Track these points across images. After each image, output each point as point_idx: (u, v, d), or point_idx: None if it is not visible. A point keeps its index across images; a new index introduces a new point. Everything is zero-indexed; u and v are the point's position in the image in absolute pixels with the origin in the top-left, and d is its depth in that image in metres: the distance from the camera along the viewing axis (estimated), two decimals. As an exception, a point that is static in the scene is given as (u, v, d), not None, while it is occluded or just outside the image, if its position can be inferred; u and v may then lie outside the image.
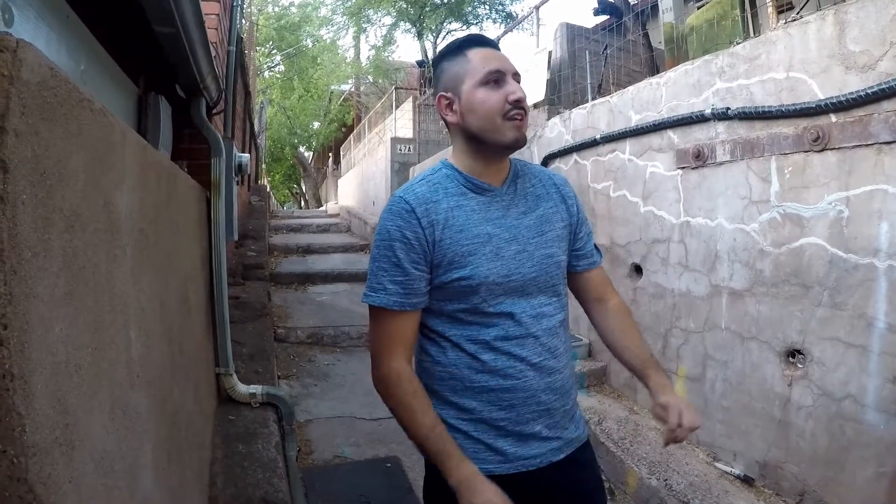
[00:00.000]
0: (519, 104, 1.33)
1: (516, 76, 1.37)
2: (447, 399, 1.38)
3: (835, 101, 2.57)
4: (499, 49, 1.41)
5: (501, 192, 1.41)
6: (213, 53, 2.52)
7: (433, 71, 1.49)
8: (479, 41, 1.40)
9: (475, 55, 1.36)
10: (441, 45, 17.20)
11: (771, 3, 3.28)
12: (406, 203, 1.33)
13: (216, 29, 3.05)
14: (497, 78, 1.33)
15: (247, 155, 3.63)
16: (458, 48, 1.40)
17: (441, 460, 1.26)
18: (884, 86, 2.36)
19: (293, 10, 20.24)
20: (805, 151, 2.75)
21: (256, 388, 3.00)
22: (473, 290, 1.32)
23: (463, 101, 1.35)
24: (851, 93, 2.50)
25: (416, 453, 3.52)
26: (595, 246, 1.61)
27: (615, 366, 4.27)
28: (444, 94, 1.39)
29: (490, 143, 1.35)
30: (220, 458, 2.34)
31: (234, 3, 3.63)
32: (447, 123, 1.42)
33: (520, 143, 1.35)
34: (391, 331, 1.34)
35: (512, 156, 1.45)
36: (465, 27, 16.59)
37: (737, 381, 3.14)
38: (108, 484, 0.95)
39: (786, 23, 2.96)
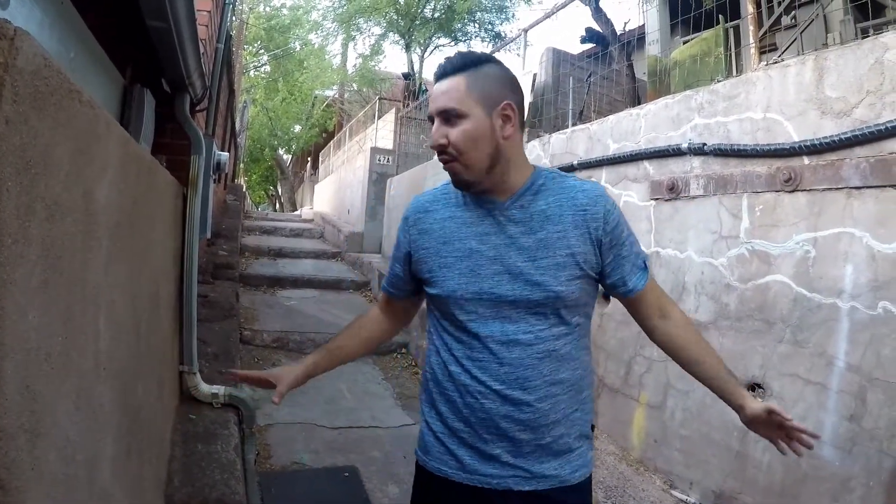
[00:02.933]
0: (438, 150, 1.31)
1: (442, 113, 1.30)
2: (427, 398, 1.46)
3: (809, 143, 2.65)
4: (444, 76, 1.32)
5: (503, 206, 1.34)
6: (202, 50, 2.52)
7: None
8: (442, 72, 1.33)
9: (433, 90, 1.35)
10: (428, 59, 17.33)
11: (754, 44, 3.37)
12: (407, 210, 1.49)
13: (206, 26, 3.05)
14: (432, 120, 1.33)
15: (226, 153, 3.62)
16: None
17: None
18: (857, 132, 2.44)
19: (284, 11, 20.21)
20: (777, 191, 2.83)
21: (219, 389, 2.97)
22: (443, 301, 1.36)
23: None
24: (825, 137, 2.58)
25: (374, 464, 3.54)
26: (643, 263, 1.42)
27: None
28: None
29: None
30: (179, 456, 2.31)
31: (227, 1, 3.63)
32: None
33: (459, 185, 1.34)
34: (380, 298, 1.67)
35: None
36: (453, 43, 16.70)
37: (697, 410, 3.20)
38: (69, 473, 0.94)
39: (767, 64, 3.04)
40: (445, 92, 1.30)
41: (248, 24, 16.30)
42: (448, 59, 1.33)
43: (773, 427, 1.38)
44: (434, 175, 7.33)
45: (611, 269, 1.38)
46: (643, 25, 8.38)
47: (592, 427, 1.46)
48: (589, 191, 1.37)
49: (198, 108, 3.00)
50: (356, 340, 1.62)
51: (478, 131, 1.28)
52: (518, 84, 1.38)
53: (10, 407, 0.71)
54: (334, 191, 14.73)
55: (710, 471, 3.07)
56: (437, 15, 15.61)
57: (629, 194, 3.87)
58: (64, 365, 0.94)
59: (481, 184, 1.32)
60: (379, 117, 13.12)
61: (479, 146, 1.29)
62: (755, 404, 1.38)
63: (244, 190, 15.49)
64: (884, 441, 2.30)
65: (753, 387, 2.90)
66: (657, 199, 3.61)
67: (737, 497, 2.91)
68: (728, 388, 1.43)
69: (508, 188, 1.35)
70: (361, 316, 1.67)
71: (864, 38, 2.68)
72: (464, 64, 1.30)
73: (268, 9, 20.24)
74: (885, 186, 2.38)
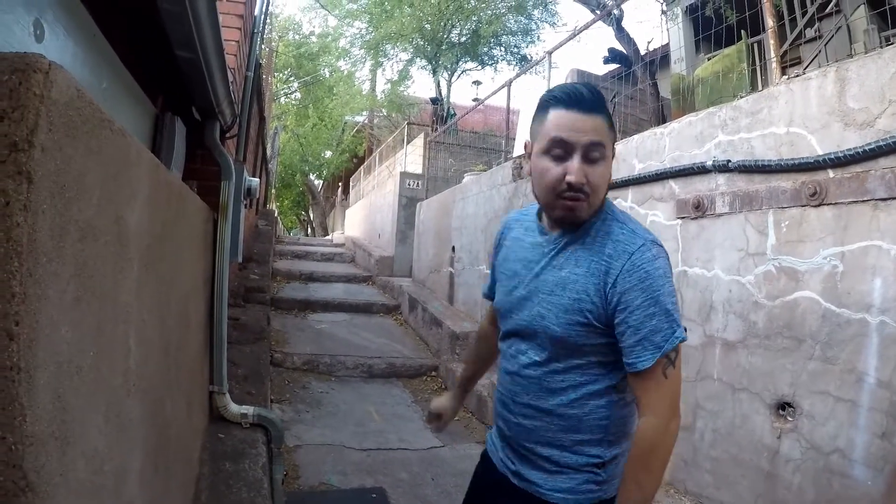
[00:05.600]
0: (574, 188, 1.25)
1: (589, 148, 1.25)
2: None
3: (833, 157, 2.63)
4: (588, 111, 1.26)
5: (552, 238, 1.40)
6: (231, 79, 2.61)
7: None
8: (566, 100, 1.27)
9: (553, 117, 1.28)
10: (455, 83, 17.49)
11: (775, 59, 3.37)
12: (501, 222, 1.67)
13: (235, 55, 3.16)
14: (562, 149, 1.26)
15: (256, 179, 3.71)
16: (547, 101, 1.32)
17: None
18: (881, 143, 2.41)
19: (313, 39, 20.66)
20: (802, 206, 2.81)
21: (248, 409, 3.02)
22: (496, 308, 1.57)
23: (532, 163, 1.35)
24: (849, 149, 2.56)
25: (401, 486, 3.54)
26: (660, 341, 1.24)
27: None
28: (528, 141, 1.40)
29: (544, 210, 1.41)
30: (207, 474, 2.36)
31: (255, 31, 3.75)
32: None
33: (567, 221, 1.32)
34: (486, 309, 1.82)
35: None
36: (479, 67, 16.88)
37: (726, 431, 3.15)
38: (97, 482, 0.99)
39: (788, 78, 3.04)
40: (595, 129, 1.26)
41: (277, 51, 16.69)
42: (582, 92, 1.28)
43: None
44: (462, 199, 7.38)
45: (619, 333, 1.27)
46: (667, 44, 8.39)
47: (598, 465, 1.37)
48: (623, 242, 1.30)
49: (228, 134, 3.09)
50: (485, 366, 1.89)
51: (608, 175, 1.31)
52: None
53: (42, 415, 0.76)
54: (365, 215, 14.89)
55: (741, 492, 3.01)
56: (462, 39, 15.81)
57: (655, 214, 3.87)
58: (94, 379, 0.99)
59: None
60: (408, 142, 13.28)
61: (605, 189, 1.32)
62: None
63: (276, 215, 15.74)
64: (918, 460, 2.25)
65: (784, 405, 2.86)
66: (683, 217, 3.60)
67: (769, 519, 2.85)
68: None
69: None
70: (478, 339, 1.85)
71: (887, 46, 2.66)
72: (602, 104, 1.29)
73: (297, 37, 20.72)
74: (912, 198, 2.35)
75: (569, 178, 1.24)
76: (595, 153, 1.25)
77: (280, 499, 2.83)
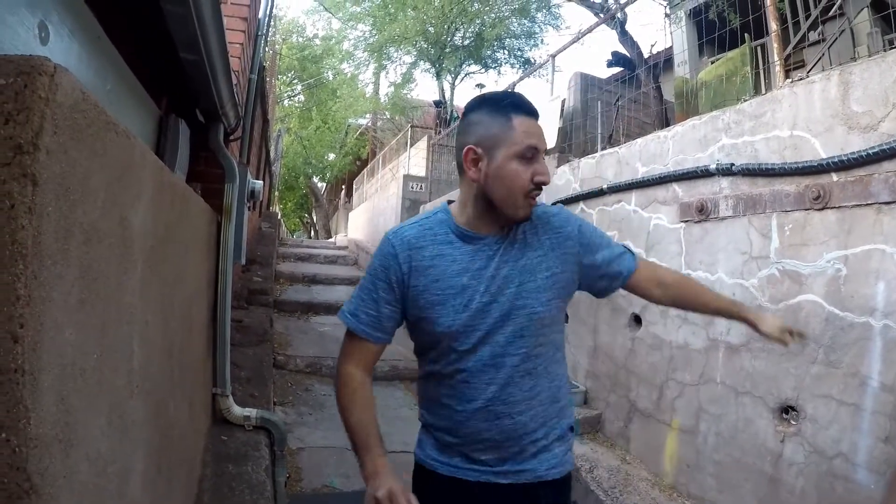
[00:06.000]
0: (540, 187, 1.37)
1: (545, 153, 1.39)
2: (423, 408, 1.57)
3: (836, 160, 2.63)
4: (538, 118, 1.41)
5: (490, 241, 1.42)
6: (235, 81, 2.61)
7: (464, 115, 1.46)
8: (526, 109, 1.38)
9: (520, 124, 1.35)
10: (459, 86, 17.49)
11: (779, 62, 3.37)
12: (392, 246, 1.43)
13: (239, 57, 3.16)
14: (532, 155, 1.34)
15: (260, 181, 3.72)
16: (504, 108, 1.37)
17: (360, 453, 1.41)
18: (885, 146, 2.42)
19: (317, 41, 20.68)
20: (806, 209, 2.81)
21: (251, 412, 3.02)
22: (437, 336, 1.42)
23: (493, 167, 1.35)
24: (853, 153, 2.56)
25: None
26: (623, 248, 1.59)
27: (609, 414, 4.26)
28: (474, 147, 1.37)
29: (502, 213, 1.39)
30: (210, 475, 2.36)
31: (259, 33, 3.75)
32: (463, 173, 1.42)
33: (527, 220, 1.41)
34: (353, 348, 1.50)
35: None
36: (483, 70, 16.87)
37: (729, 435, 3.15)
38: (100, 484, 0.99)
39: (792, 82, 3.04)
40: (543, 133, 1.41)
41: (281, 54, 16.73)
42: (531, 102, 1.41)
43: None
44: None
45: (603, 269, 1.54)
46: (670, 47, 8.39)
47: (571, 429, 1.56)
48: (559, 214, 1.53)
49: (231, 137, 3.10)
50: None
51: None
52: None
53: (46, 417, 0.76)
54: (368, 218, 14.88)
55: (744, 496, 3.01)
56: (466, 42, 15.80)
57: (659, 217, 3.87)
58: (98, 381, 0.99)
59: None
60: (411, 145, 13.27)
61: None
62: (772, 320, 1.60)
63: (279, 217, 15.75)
64: (922, 464, 2.25)
65: (787, 409, 2.85)
66: (687, 221, 3.60)
67: (773, 523, 2.84)
68: (734, 309, 1.66)
69: (497, 225, 1.44)
70: (357, 390, 1.48)
71: (891, 49, 2.66)
72: None
73: (300, 39, 20.73)
74: (915, 202, 2.35)
75: (541, 178, 1.35)
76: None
77: (283, 501, 2.83)
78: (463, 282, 1.40)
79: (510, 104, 1.37)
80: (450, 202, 1.51)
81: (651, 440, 3.77)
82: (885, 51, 2.64)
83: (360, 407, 1.45)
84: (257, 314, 5.28)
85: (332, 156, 23.54)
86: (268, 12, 3.86)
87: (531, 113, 1.38)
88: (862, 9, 5.46)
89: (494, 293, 1.40)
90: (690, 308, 1.76)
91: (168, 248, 1.67)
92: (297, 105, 22.15)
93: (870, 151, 2.48)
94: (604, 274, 1.54)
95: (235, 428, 2.95)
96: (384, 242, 1.46)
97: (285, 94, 20.81)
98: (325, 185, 28.03)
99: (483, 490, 1.45)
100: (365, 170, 20.03)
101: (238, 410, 3.00)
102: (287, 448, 3.32)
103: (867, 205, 2.53)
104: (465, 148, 1.38)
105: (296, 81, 20.96)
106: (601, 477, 3.60)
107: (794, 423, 2.81)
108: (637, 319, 4.07)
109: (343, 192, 25.76)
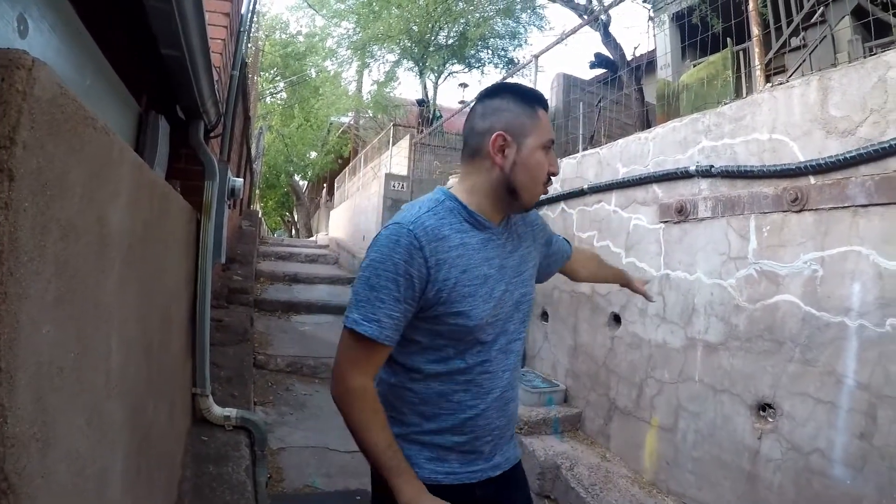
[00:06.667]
0: (552, 177, 1.46)
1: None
2: (409, 419, 1.43)
3: (814, 163, 2.67)
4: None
5: (498, 231, 1.46)
6: (216, 77, 2.59)
7: (485, 100, 1.44)
8: (545, 104, 1.45)
9: (543, 117, 1.42)
10: (442, 86, 17.47)
11: (760, 66, 3.41)
12: (415, 238, 1.30)
13: (221, 53, 3.13)
14: (549, 147, 1.42)
15: (240, 179, 3.69)
16: (531, 100, 1.41)
17: (392, 476, 1.29)
18: (862, 151, 2.46)
19: (300, 38, 20.54)
20: (784, 211, 2.84)
21: (231, 412, 3.00)
22: (469, 330, 1.36)
23: (522, 154, 1.37)
24: (831, 156, 2.60)
25: (388, 488, 3.52)
26: (559, 236, 1.85)
27: (590, 412, 4.29)
28: (504, 133, 1.37)
29: (519, 199, 1.41)
30: (190, 476, 2.34)
31: (241, 29, 3.73)
32: (483, 159, 1.40)
33: (534, 205, 1.49)
34: (371, 357, 1.33)
35: None
36: (467, 70, 16.87)
37: (708, 432, 3.18)
38: (79, 485, 0.98)
39: (772, 86, 3.07)
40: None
41: (263, 51, 16.59)
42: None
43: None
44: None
45: (554, 257, 1.78)
46: (653, 50, 8.45)
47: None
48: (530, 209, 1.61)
49: (212, 134, 3.07)
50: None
51: None
52: None
53: (23, 416, 0.75)
54: (349, 217, 14.82)
55: (723, 493, 3.04)
56: (450, 42, 15.78)
57: (639, 217, 3.90)
58: (76, 379, 0.98)
59: None
60: (393, 143, 13.24)
61: None
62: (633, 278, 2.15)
63: (260, 216, 15.64)
64: (895, 459, 2.28)
65: (764, 406, 2.89)
66: (666, 221, 3.63)
67: (750, 520, 2.88)
68: (619, 276, 2.15)
69: (502, 214, 1.49)
70: (378, 409, 1.35)
71: (870, 56, 2.70)
72: None
73: (284, 36, 20.59)
74: (890, 204, 2.39)
75: (555, 169, 1.44)
76: None
77: (264, 502, 2.82)
78: (485, 271, 1.39)
79: (534, 97, 1.43)
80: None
81: (631, 438, 3.80)
82: (864, 58, 2.68)
83: (382, 425, 1.33)
84: (237, 313, 5.24)
85: (313, 154, 23.39)
86: (251, 8, 3.84)
87: (546, 107, 1.46)
88: (843, 16, 5.53)
89: (507, 282, 1.45)
90: (598, 281, 2.19)
91: (147, 246, 1.65)
92: (279, 102, 22.00)
93: (847, 155, 2.52)
94: (552, 261, 1.78)
95: (216, 428, 2.92)
96: (402, 234, 1.31)
97: (267, 92, 20.65)
98: (306, 183, 27.87)
99: (483, 489, 1.45)
100: (347, 168, 19.96)
101: (218, 410, 2.97)
102: (268, 448, 3.30)
103: (844, 207, 2.57)
104: (495, 134, 1.37)
105: (278, 78, 20.82)
106: (581, 474, 3.62)
107: (771, 420, 2.84)
108: (616, 319, 4.10)
109: (324, 190, 25.64)
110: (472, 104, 1.58)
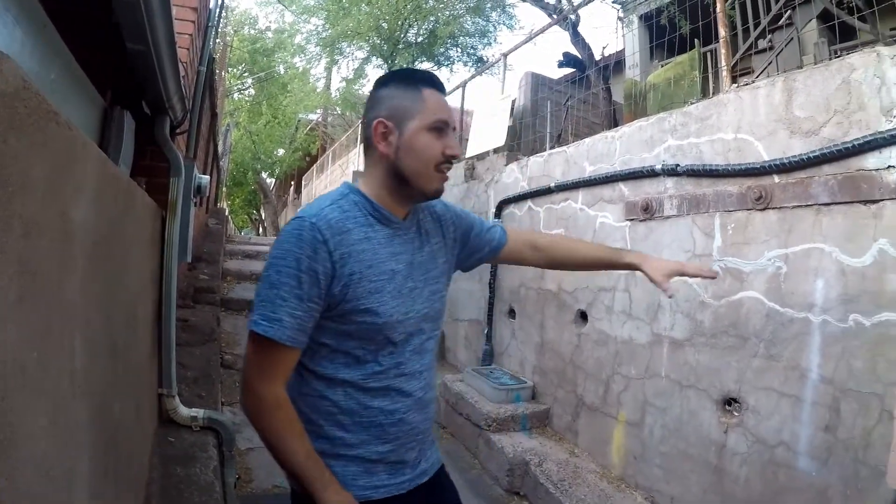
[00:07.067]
0: (452, 160, 1.37)
1: (454, 129, 1.40)
2: (329, 432, 1.36)
3: (778, 162, 2.72)
4: (447, 95, 1.43)
5: (404, 225, 1.42)
6: (183, 73, 2.55)
7: (373, 91, 1.41)
8: (435, 83, 1.38)
9: (430, 97, 1.34)
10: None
11: (726, 67, 3.47)
12: (318, 232, 1.25)
13: (188, 48, 3.08)
14: (442, 128, 1.34)
15: (207, 177, 3.63)
16: (413, 81, 1.36)
17: (317, 488, 1.25)
18: (826, 150, 2.51)
19: (269, 34, 20.33)
20: (748, 209, 2.90)
21: (198, 412, 2.96)
22: (378, 328, 1.31)
23: (404, 139, 1.33)
24: (795, 156, 2.65)
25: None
26: (491, 223, 1.72)
27: (557, 408, 4.33)
28: (384, 120, 1.34)
29: (414, 188, 1.36)
30: (157, 478, 2.30)
31: (209, 24, 3.67)
32: (373, 150, 1.38)
33: (439, 194, 1.41)
34: (276, 361, 1.27)
35: None
36: (436, 67, 16.85)
37: (675, 427, 3.23)
38: (45, 488, 0.95)
39: (738, 86, 3.13)
40: (451, 109, 1.40)
41: (232, 46, 16.38)
42: (438, 77, 1.42)
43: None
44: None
45: (478, 245, 1.65)
46: (621, 50, 8.55)
47: None
48: (436, 204, 1.56)
49: (178, 130, 3.02)
50: None
51: None
52: None
53: (-16, 417, 0.73)
54: (317, 214, 14.70)
55: (690, 486, 3.09)
56: (419, 39, 15.77)
57: (605, 215, 3.94)
58: (40, 379, 0.95)
59: None
60: (361, 141, 13.18)
61: None
62: (657, 264, 1.67)
63: (227, 214, 15.43)
64: (859, 450, 2.35)
65: (730, 401, 2.94)
66: (632, 219, 3.68)
67: (715, 512, 2.93)
68: (616, 255, 1.76)
69: (407, 209, 1.45)
70: (293, 417, 1.30)
71: (835, 58, 2.77)
72: None
73: (252, 31, 20.35)
74: (852, 202, 2.45)
75: (452, 151, 1.36)
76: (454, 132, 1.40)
77: (233, 502, 2.78)
78: (392, 267, 1.35)
79: (420, 78, 1.37)
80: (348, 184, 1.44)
81: (598, 433, 3.84)
82: (829, 60, 2.75)
83: (299, 434, 1.27)
84: (204, 313, 5.16)
85: (281, 151, 23.14)
86: (219, 3, 3.78)
87: (440, 88, 1.38)
88: (810, 20, 5.67)
89: (416, 279, 1.40)
90: (570, 265, 1.86)
91: (111, 244, 1.62)
92: (246, 99, 21.72)
93: (811, 155, 2.57)
94: (476, 250, 1.65)
95: (182, 429, 2.88)
96: (304, 228, 1.25)
97: (235, 88, 20.38)
98: (274, 181, 27.58)
99: (414, 498, 1.42)
100: (314, 166, 19.83)
101: (185, 411, 2.93)
102: (236, 448, 3.25)
103: (807, 206, 2.62)
104: (375, 121, 1.34)
105: (246, 74, 20.56)
106: (550, 470, 3.65)
107: (736, 414, 2.90)
108: (583, 316, 4.14)
109: (292, 188, 25.41)
110: None
